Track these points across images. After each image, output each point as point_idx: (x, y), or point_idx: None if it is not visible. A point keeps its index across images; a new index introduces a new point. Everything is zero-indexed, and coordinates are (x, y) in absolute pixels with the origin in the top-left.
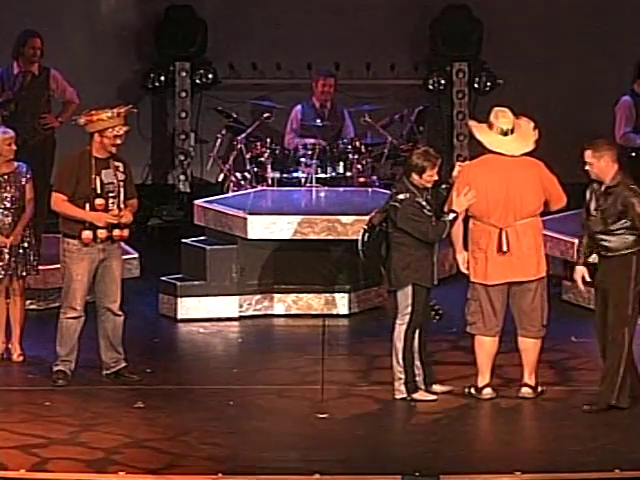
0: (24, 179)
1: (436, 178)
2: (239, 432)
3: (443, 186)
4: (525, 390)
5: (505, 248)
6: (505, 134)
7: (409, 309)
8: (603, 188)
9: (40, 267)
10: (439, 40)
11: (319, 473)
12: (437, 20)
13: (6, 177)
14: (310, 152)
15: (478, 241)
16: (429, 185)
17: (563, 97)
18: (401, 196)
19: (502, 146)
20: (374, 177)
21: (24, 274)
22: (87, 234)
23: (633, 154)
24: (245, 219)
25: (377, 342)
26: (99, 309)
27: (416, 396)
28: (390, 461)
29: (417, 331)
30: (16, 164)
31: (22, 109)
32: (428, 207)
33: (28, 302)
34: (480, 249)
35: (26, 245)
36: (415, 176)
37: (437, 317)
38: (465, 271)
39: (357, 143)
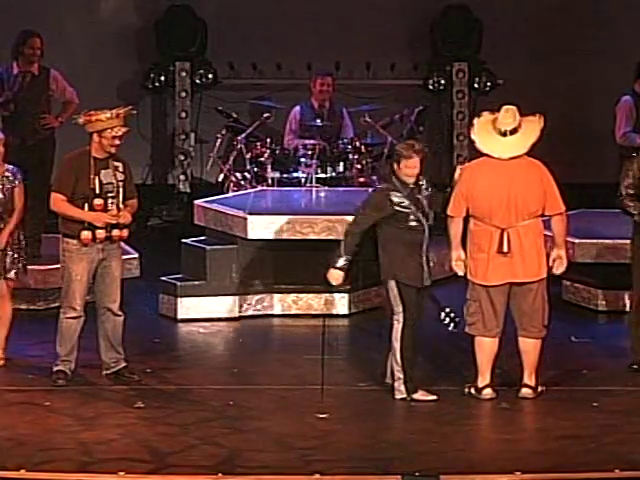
0: (14, 183)
1: (415, 171)
2: (239, 432)
3: (448, 189)
4: (525, 390)
5: (506, 249)
6: (504, 134)
7: (401, 308)
8: None
9: (40, 267)
10: (439, 40)
11: (319, 473)
12: (437, 20)
13: None
14: (310, 152)
15: (479, 242)
16: (408, 179)
17: (563, 97)
18: (381, 186)
19: (493, 148)
20: (374, 177)
21: (11, 277)
22: (86, 234)
23: (634, 154)
24: (245, 219)
25: (377, 342)
26: (99, 309)
27: (416, 396)
28: (390, 461)
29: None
30: (7, 167)
31: (22, 109)
32: (406, 203)
33: (28, 302)
34: (481, 250)
35: (14, 248)
36: (395, 165)
37: (452, 324)
38: (455, 269)
39: (357, 143)
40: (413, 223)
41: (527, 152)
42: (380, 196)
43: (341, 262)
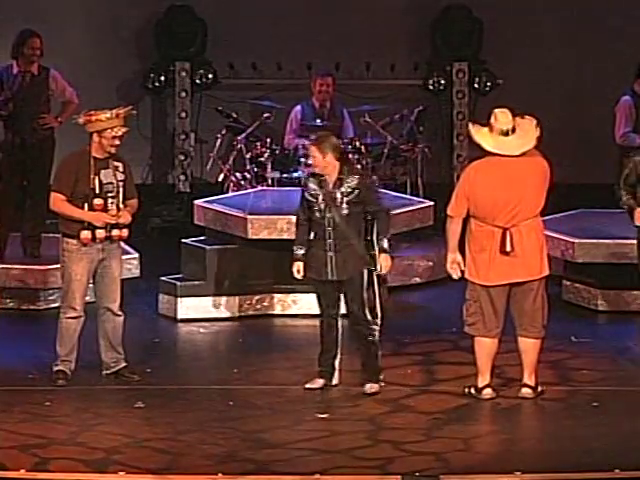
0: None
1: (313, 161)
2: (239, 432)
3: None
4: (525, 390)
5: (509, 248)
6: (506, 134)
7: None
8: None
9: (40, 267)
10: (439, 40)
11: (319, 473)
12: (437, 20)
13: None
14: None
15: (481, 242)
16: (312, 168)
17: (563, 97)
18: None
19: (501, 147)
20: (374, 177)
21: None
22: (85, 234)
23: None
24: (245, 219)
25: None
26: (99, 309)
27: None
28: (390, 461)
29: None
30: None
31: (21, 109)
32: (315, 192)
33: (28, 302)
34: (483, 250)
35: None
36: None
37: None
38: (450, 272)
39: (357, 143)
40: (316, 214)
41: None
42: (304, 180)
43: (295, 252)
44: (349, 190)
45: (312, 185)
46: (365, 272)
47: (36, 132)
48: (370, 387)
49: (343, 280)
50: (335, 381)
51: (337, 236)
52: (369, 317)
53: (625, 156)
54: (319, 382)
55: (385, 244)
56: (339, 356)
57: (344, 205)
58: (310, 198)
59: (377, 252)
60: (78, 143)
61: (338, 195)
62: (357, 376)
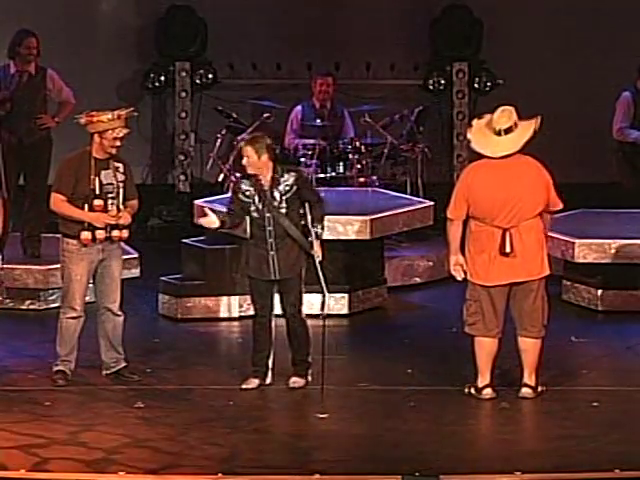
0: None
1: (247, 160)
2: (239, 432)
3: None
4: (525, 390)
5: (508, 249)
6: (498, 134)
7: (250, 299)
8: None
9: (40, 267)
10: (439, 40)
11: (319, 473)
12: (437, 20)
13: None
14: (310, 152)
15: (481, 242)
16: (248, 169)
17: (563, 97)
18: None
19: (487, 147)
20: (374, 177)
21: None
22: (85, 235)
23: (629, 150)
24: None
25: (377, 342)
26: (99, 309)
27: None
28: (390, 461)
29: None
30: None
31: (18, 109)
32: (250, 192)
33: (28, 302)
34: (483, 250)
35: None
36: None
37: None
38: (454, 273)
39: (357, 143)
40: (254, 214)
41: (520, 150)
42: (236, 182)
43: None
44: (287, 188)
45: (244, 187)
46: (303, 270)
47: (33, 132)
48: (294, 381)
49: (283, 279)
50: (269, 380)
51: (277, 235)
52: (304, 316)
53: (621, 151)
54: (254, 382)
55: (319, 231)
56: (272, 355)
57: (283, 204)
58: (245, 199)
59: (313, 238)
60: (75, 143)
61: (276, 194)
62: (355, 377)
